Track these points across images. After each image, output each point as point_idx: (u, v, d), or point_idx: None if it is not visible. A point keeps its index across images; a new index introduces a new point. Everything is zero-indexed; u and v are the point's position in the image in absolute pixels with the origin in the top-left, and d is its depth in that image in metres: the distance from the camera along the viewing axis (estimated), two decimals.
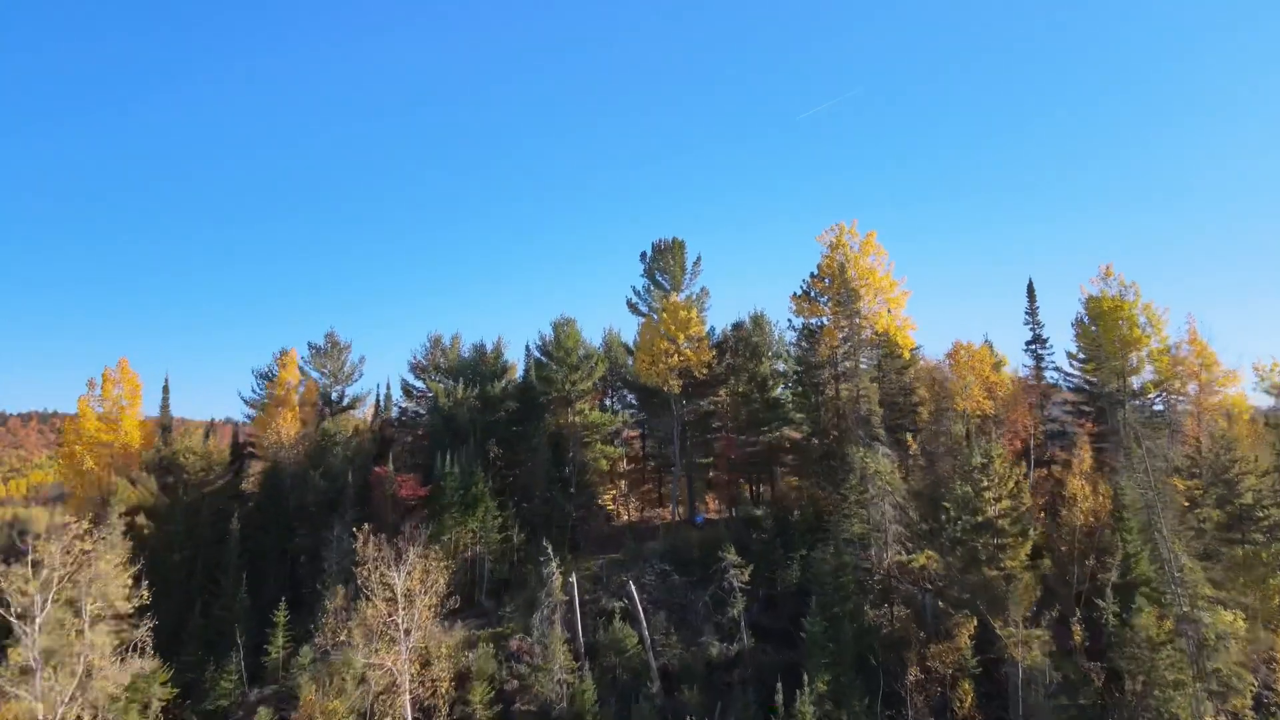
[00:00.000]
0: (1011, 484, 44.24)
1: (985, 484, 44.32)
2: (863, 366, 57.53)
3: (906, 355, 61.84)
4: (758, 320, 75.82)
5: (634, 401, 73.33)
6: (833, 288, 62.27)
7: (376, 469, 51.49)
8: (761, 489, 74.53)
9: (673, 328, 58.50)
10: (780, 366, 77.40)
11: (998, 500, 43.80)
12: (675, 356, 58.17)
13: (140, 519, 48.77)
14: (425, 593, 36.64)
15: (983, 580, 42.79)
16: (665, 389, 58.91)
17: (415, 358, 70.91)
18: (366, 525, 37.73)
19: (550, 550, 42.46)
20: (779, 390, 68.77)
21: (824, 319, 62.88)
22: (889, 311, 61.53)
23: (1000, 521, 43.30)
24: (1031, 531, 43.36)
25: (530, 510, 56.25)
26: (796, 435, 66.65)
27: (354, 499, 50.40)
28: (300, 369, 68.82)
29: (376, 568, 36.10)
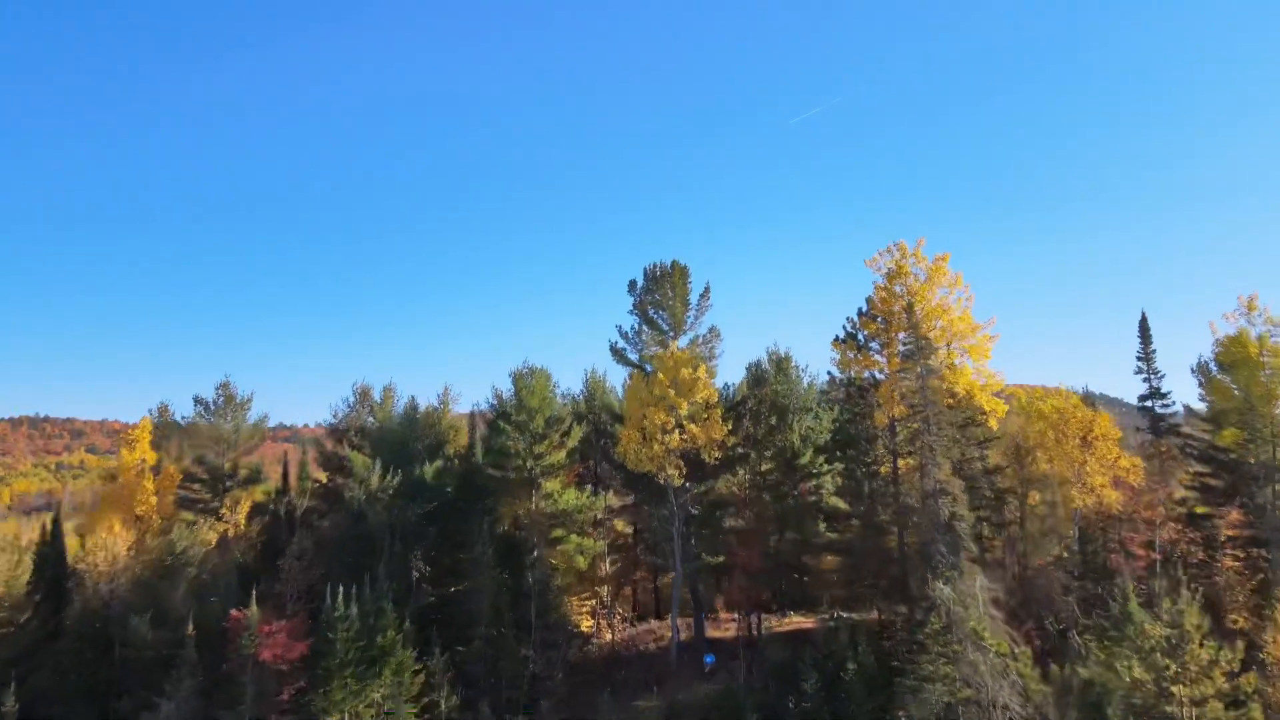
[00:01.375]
0: (1221, 677, 27.42)
1: (1173, 669, 27.61)
2: (938, 443, 40.66)
3: (994, 425, 45.09)
4: (781, 364, 58.93)
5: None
6: (890, 330, 45.58)
7: (234, 612, 34.71)
8: (789, 582, 57.84)
9: (672, 392, 41.69)
10: (812, 415, 60.73)
11: (1201, 703, 27.05)
12: (675, 434, 41.34)
13: None
14: None
15: None
16: (662, 479, 42.07)
17: (336, 416, 54.38)
18: None
19: None
20: (812, 456, 52.06)
21: (878, 372, 46.23)
22: (970, 365, 44.81)
23: None
24: None
25: (469, 655, 39.49)
26: (840, 506, 50.14)
27: (195, 662, 33.58)
28: (193, 425, 52.19)
29: None
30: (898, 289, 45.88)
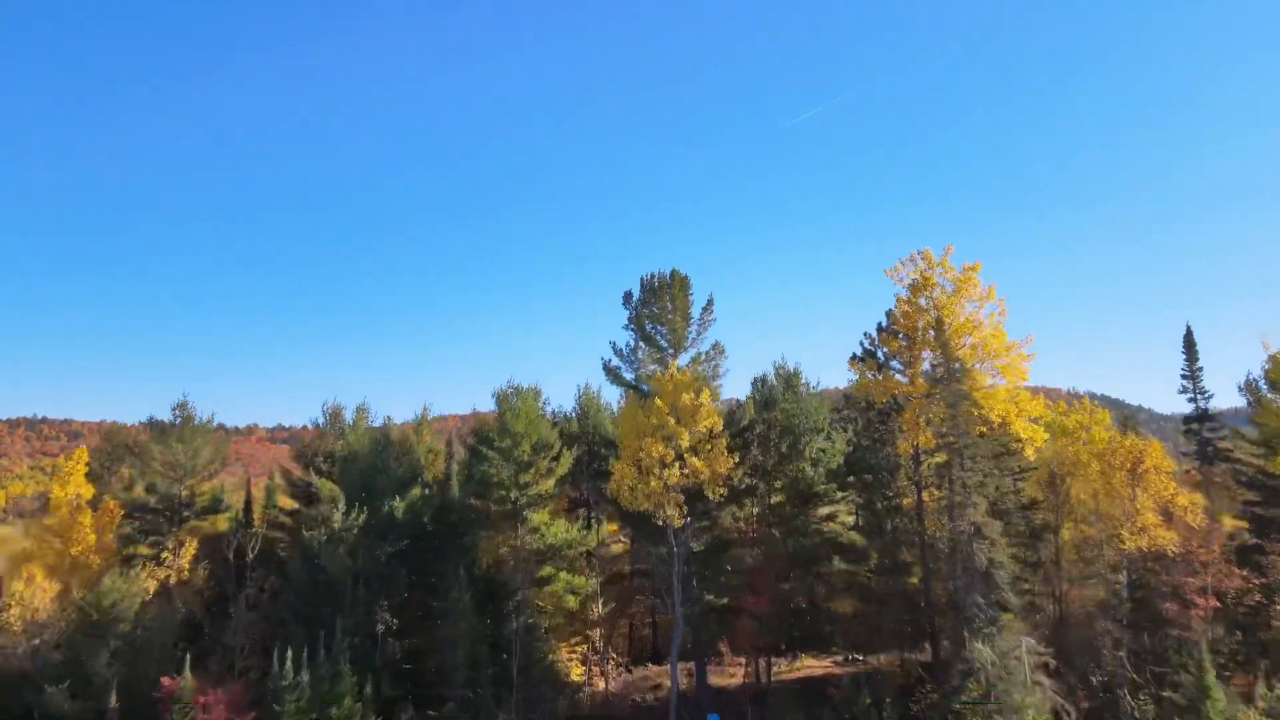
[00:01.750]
0: None
1: None
2: (971, 478, 35.89)
3: (1030, 455, 40.39)
4: (790, 381, 54.16)
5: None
6: (914, 348, 40.95)
7: (165, 680, 30.07)
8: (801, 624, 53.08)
9: (671, 420, 36.95)
10: (823, 436, 55.98)
11: None
12: (675, 467, 36.60)
13: None
14: None
15: None
16: (661, 520, 37.37)
17: (304, 439, 49.86)
18: None
19: None
20: (824, 482, 47.23)
21: (901, 395, 41.51)
22: (1003, 387, 40.03)
23: None
24: None
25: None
26: (856, 540, 45.46)
27: None
28: (145, 449, 47.62)
29: None
30: (923, 302, 41.25)
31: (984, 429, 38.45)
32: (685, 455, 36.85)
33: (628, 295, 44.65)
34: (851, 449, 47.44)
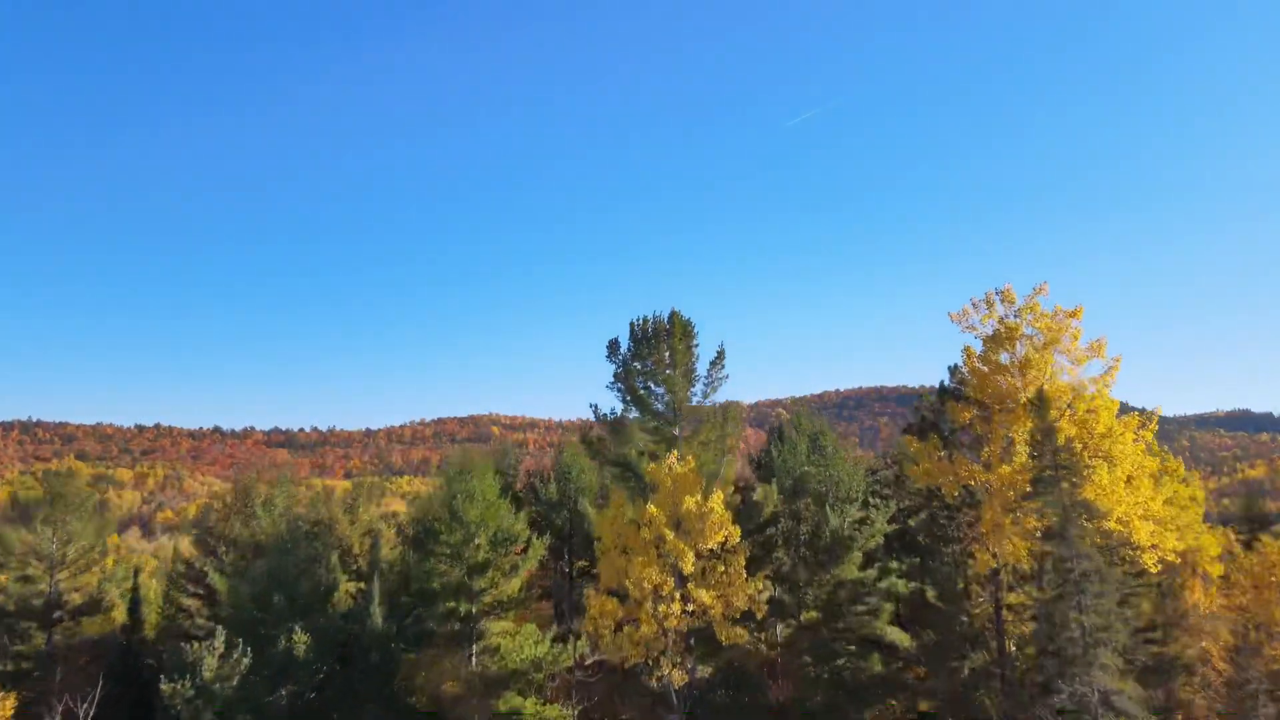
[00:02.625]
0: None
1: None
2: (1092, 620, 25.53)
3: (1153, 566, 29.94)
4: (815, 438, 43.40)
5: None
6: (994, 423, 30.59)
7: None
8: None
9: (670, 533, 26.53)
10: (857, 505, 45.43)
11: None
12: (677, 602, 26.20)
13: None
14: None
15: None
16: (658, 679, 26.97)
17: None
18: None
19: None
20: (861, 568, 36.77)
21: (976, 485, 31.10)
22: (1118, 476, 29.56)
23: None
24: None
25: None
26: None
27: None
28: (2, 538, 37.65)
29: None
30: (1003, 358, 30.99)
31: (1099, 539, 28.16)
32: (690, 584, 26.47)
33: (613, 345, 34.33)
34: (897, 529, 37.26)
